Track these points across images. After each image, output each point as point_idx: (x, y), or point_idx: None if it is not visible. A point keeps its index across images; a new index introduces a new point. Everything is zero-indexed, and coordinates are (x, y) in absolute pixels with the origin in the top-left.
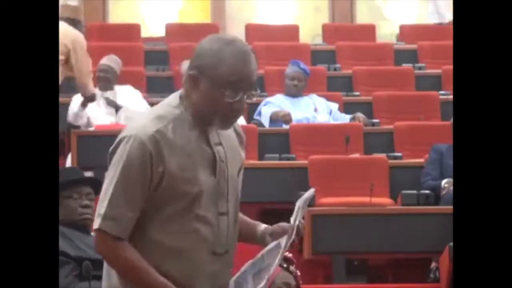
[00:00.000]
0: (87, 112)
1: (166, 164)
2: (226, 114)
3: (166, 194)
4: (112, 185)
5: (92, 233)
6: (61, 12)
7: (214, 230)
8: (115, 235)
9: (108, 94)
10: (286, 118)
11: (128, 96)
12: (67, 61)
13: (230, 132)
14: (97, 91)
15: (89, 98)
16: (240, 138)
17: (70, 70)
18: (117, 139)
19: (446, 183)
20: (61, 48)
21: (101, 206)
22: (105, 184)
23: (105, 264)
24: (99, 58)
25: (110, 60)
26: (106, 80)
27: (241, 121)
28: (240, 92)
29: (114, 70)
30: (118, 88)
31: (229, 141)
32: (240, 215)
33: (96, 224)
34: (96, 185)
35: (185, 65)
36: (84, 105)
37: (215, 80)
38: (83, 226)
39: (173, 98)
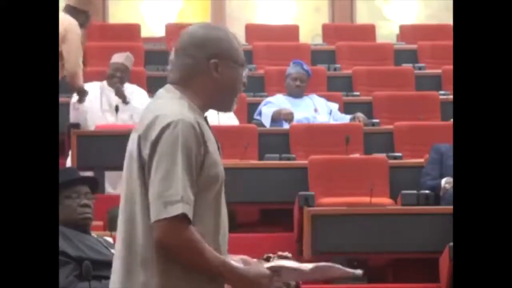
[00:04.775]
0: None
1: (207, 146)
2: (239, 92)
3: (203, 181)
4: (178, 170)
5: (93, 234)
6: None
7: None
8: (190, 218)
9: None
10: (289, 117)
11: (135, 94)
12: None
13: None
14: (104, 84)
15: (79, 92)
16: None
17: (61, 60)
18: (160, 127)
19: (446, 182)
20: None
21: (171, 192)
22: (163, 171)
23: (120, 266)
24: (99, 58)
25: (127, 60)
26: (121, 80)
27: (235, 121)
28: (245, 69)
29: (129, 70)
30: (126, 85)
31: None
32: None
33: (171, 211)
34: (93, 184)
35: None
36: (80, 100)
37: (239, 62)
38: (84, 226)
39: (167, 93)
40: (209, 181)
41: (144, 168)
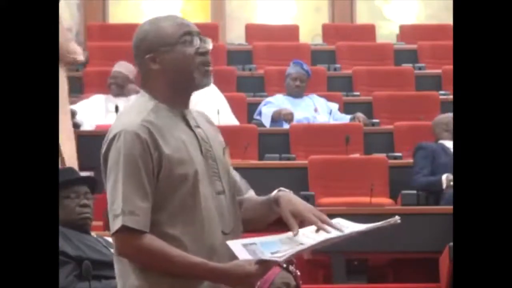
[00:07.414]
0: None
1: (162, 148)
2: (199, 65)
3: (168, 183)
4: (120, 182)
5: (93, 234)
6: None
7: (217, 209)
8: (139, 228)
9: (121, 100)
10: (289, 117)
11: None
12: None
13: (203, 121)
14: (110, 97)
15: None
16: (214, 126)
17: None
18: (107, 141)
19: (449, 179)
20: None
21: (115, 207)
22: (110, 185)
23: (118, 265)
24: (99, 58)
25: (118, 66)
26: (117, 86)
27: (234, 121)
28: (195, 38)
29: (124, 74)
30: (134, 97)
31: (206, 126)
32: (255, 197)
33: (116, 225)
34: (92, 184)
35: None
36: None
37: (170, 42)
38: (83, 225)
39: (140, 97)
40: (176, 180)
41: None
